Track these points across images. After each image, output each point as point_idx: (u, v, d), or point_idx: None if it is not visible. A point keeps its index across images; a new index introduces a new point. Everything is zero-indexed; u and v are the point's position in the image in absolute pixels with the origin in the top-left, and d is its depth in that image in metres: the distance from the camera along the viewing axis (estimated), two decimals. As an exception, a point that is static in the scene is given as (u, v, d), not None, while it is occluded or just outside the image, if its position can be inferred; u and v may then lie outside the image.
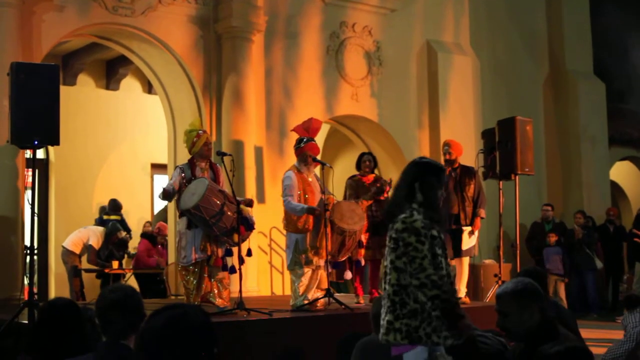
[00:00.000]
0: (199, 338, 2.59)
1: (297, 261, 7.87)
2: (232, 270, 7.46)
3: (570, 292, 12.67)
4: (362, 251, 8.40)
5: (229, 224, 7.36)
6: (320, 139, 14.37)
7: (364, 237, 8.32)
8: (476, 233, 8.92)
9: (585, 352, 3.61)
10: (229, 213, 7.35)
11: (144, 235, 12.77)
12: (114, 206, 12.49)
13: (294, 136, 8.37)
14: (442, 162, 9.22)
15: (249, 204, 7.81)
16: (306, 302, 7.77)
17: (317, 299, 7.84)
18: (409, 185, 4.23)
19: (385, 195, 8.91)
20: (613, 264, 13.89)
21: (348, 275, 8.28)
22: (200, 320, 2.62)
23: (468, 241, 8.83)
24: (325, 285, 8.04)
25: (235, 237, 7.41)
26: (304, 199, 7.84)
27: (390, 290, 4.10)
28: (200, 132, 7.85)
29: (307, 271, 7.83)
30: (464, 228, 8.79)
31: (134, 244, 12.88)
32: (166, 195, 7.67)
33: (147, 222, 13.53)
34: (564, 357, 3.51)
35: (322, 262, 7.84)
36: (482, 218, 8.97)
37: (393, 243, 4.13)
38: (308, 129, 8.12)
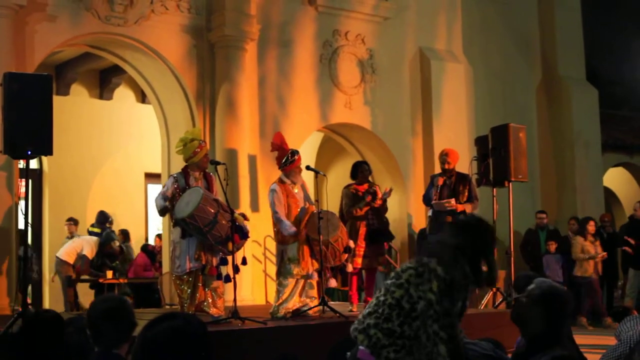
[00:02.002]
0: (200, 346, 2.65)
1: (282, 271, 7.92)
2: (227, 279, 7.45)
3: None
4: (348, 256, 8.42)
5: (223, 233, 7.36)
6: (313, 147, 14.48)
7: (349, 243, 8.33)
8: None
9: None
10: (223, 222, 7.35)
11: (145, 249, 12.71)
12: (99, 218, 12.14)
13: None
14: (440, 171, 9.27)
15: (244, 217, 7.84)
16: (283, 311, 7.82)
17: (299, 311, 7.89)
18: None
19: (379, 202, 8.94)
20: (607, 270, 13.88)
21: (332, 283, 8.27)
22: (201, 329, 2.68)
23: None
24: (312, 294, 8.09)
25: (230, 246, 7.40)
26: (288, 210, 7.91)
27: (388, 300, 3.84)
28: (202, 143, 7.89)
29: (291, 281, 7.88)
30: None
31: (130, 256, 12.84)
32: (162, 211, 7.70)
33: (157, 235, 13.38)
34: None
35: (304, 273, 7.89)
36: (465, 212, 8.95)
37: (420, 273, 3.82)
38: (284, 142, 8.21)
